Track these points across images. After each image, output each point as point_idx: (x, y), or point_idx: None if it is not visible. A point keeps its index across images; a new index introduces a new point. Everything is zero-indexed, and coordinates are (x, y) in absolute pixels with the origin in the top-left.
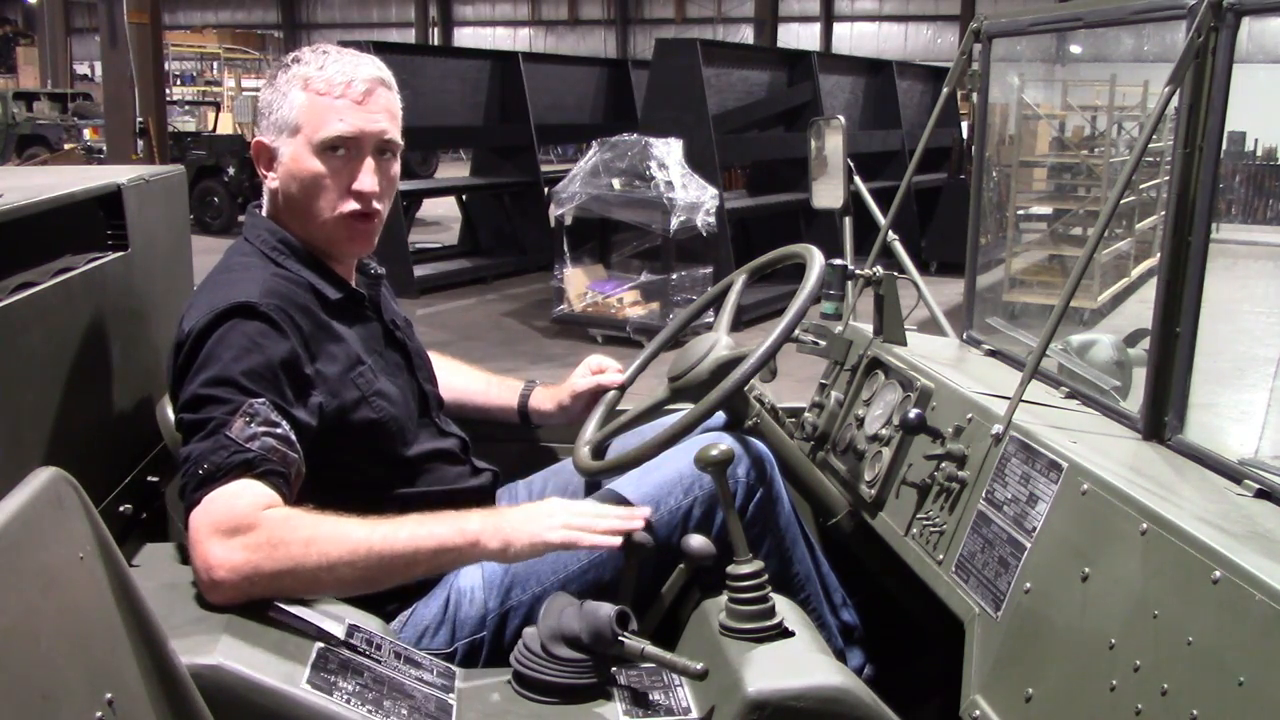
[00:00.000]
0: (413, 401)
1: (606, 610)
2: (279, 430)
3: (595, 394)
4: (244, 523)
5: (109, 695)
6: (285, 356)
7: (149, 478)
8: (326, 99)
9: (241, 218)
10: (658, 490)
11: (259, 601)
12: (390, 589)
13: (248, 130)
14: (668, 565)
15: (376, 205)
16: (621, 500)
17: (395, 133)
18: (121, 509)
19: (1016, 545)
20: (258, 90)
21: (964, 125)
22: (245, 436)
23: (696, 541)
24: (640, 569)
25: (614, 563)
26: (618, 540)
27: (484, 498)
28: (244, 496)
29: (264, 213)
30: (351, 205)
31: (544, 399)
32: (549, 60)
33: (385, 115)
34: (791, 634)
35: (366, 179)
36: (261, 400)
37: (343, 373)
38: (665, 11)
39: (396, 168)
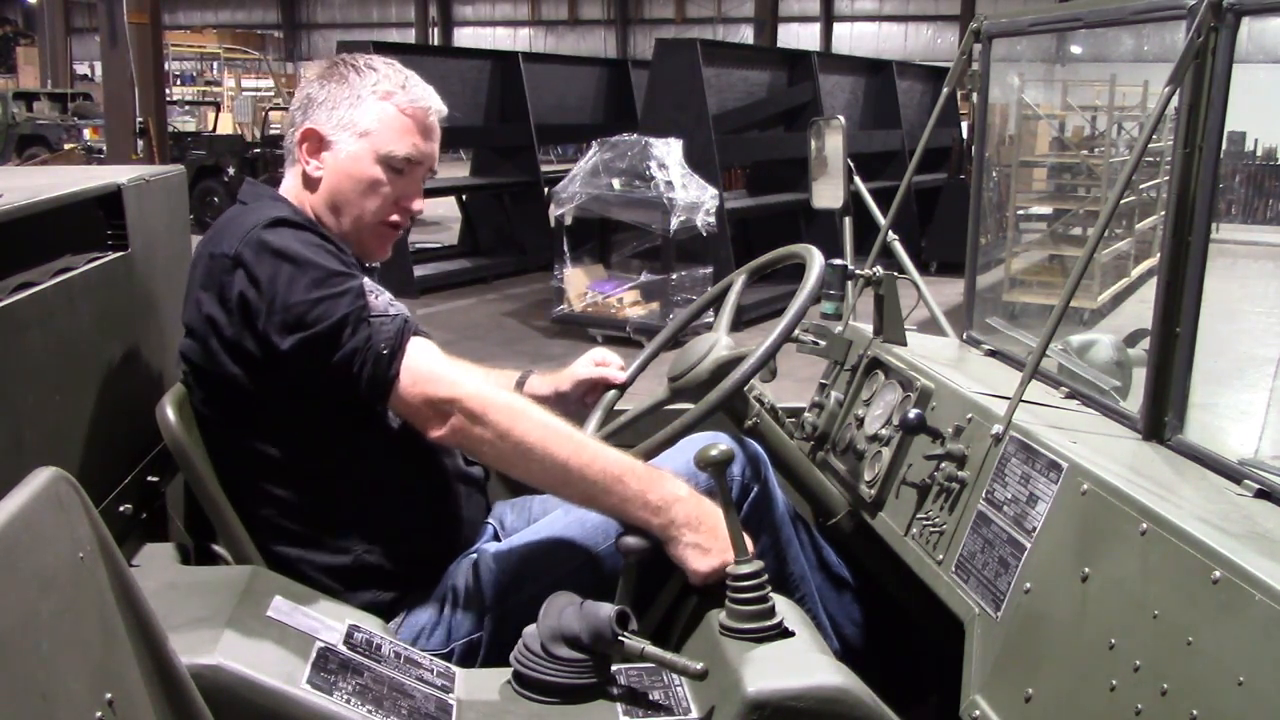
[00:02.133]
0: None
1: (606, 610)
2: (389, 296)
3: (596, 384)
4: (454, 369)
5: (109, 695)
6: (339, 253)
7: (149, 478)
8: (408, 120)
9: None
10: None
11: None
12: (387, 586)
13: (247, 130)
14: (666, 566)
15: (409, 221)
16: None
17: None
18: (121, 509)
19: (1016, 545)
20: (258, 90)
21: (964, 125)
22: (384, 307)
23: (632, 540)
24: (639, 570)
25: (613, 562)
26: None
27: (476, 488)
28: (431, 351)
29: (282, 191)
30: (395, 217)
31: (540, 385)
32: (549, 60)
33: (438, 146)
34: (791, 634)
35: (419, 201)
36: (364, 278)
37: None
38: (665, 11)
39: None
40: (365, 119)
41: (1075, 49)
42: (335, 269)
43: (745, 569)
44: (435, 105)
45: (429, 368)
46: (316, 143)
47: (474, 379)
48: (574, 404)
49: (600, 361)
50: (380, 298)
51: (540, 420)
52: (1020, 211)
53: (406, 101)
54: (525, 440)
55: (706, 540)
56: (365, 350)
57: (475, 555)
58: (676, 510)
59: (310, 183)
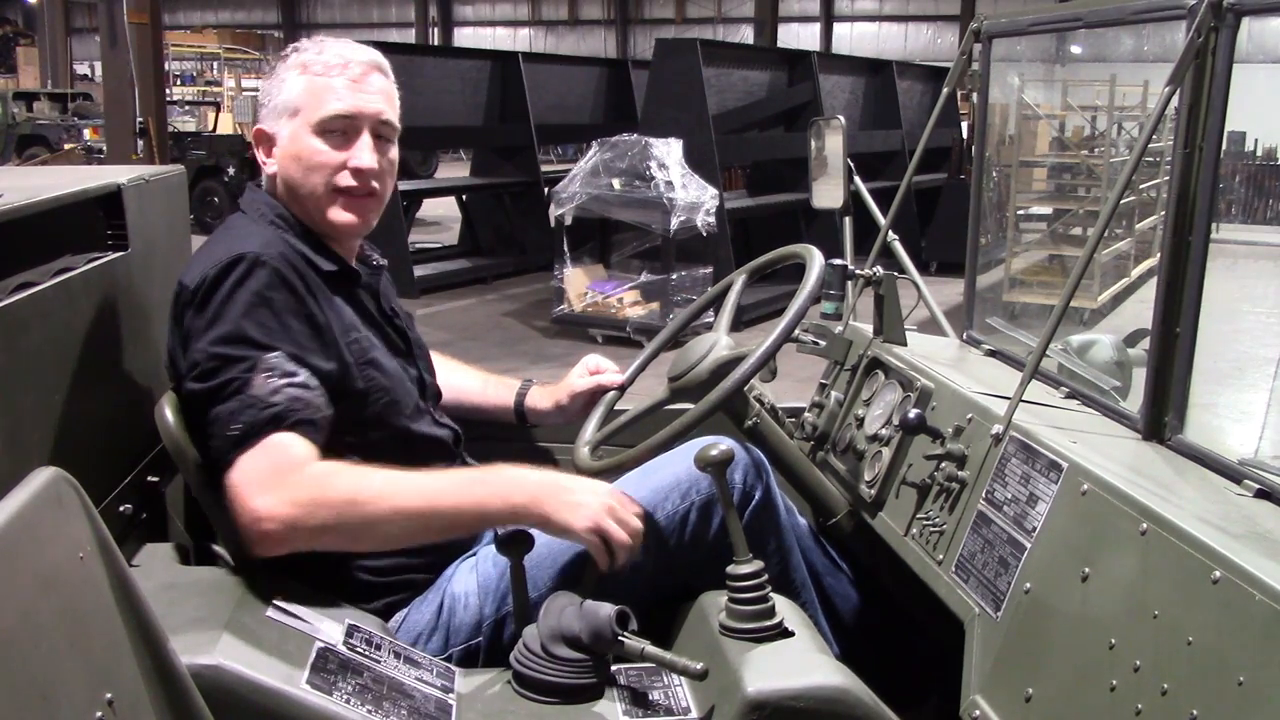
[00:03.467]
0: (410, 384)
1: (606, 610)
2: (298, 379)
3: (593, 394)
4: (283, 478)
5: (109, 695)
6: (293, 305)
7: (149, 478)
8: (324, 79)
9: None
10: (656, 494)
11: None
12: (387, 586)
13: (248, 130)
14: (669, 569)
15: (375, 184)
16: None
17: (393, 115)
18: (121, 509)
19: (1016, 545)
20: (258, 90)
21: (964, 125)
22: (268, 391)
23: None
24: (640, 572)
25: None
26: (626, 555)
27: None
28: (279, 451)
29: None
30: (348, 181)
31: (540, 398)
32: (549, 60)
33: (381, 97)
34: (791, 634)
35: (364, 155)
36: (276, 354)
37: (338, 335)
38: (665, 11)
39: (395, 152)
40: (291, 98)
41: (1075, 49)
42: (248, 335)
43: (745, 569)
44: (356, 57)
45: (259, 477)
46: (267, 142)
47: (301, 488)
48: (575, 416)
49: (595, 369)
50: (275, 381)
51: (371, 485)
52: (1020, 211)
53: (320, 64)
54: (365, 512)
55: (572, 495)
56: (223, 424)
57: (475, 556)
58: (530, 489)
59: (273, 182)
